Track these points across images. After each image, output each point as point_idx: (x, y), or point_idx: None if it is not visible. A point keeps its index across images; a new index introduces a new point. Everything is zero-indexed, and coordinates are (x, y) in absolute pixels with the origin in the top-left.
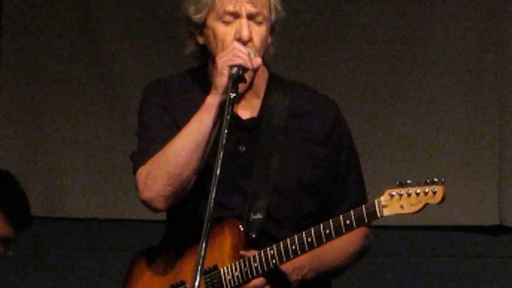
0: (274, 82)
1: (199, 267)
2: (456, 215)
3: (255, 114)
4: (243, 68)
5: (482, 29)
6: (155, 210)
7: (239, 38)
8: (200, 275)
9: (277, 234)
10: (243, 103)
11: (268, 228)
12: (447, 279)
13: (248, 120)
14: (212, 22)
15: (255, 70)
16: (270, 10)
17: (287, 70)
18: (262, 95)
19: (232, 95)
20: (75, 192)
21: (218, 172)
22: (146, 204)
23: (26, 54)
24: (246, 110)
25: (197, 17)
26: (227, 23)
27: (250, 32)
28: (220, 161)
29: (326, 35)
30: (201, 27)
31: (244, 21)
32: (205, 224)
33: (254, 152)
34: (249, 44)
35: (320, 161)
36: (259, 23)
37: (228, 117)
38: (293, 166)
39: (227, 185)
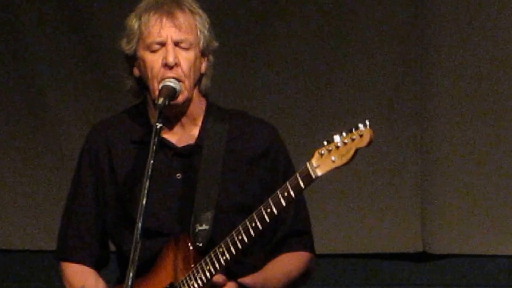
0: (212, 110)
1: None
2: (379, 243)
3: (192, 142)
4: (169, 99)
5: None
6: None
7: (165, 63)
8: None
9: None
10: (180, 131)
11: (215, 239)
12: None
13: (184, 147)
14: (142, 52)
15: (182, 104)
16: (197, 35)
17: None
18: (200, 123)
19: (159, 125)
20: (5, 224)
21: (144, 202)
22: None
23: None
24: (183, 138)
25: (127, 48)
26: (154, 51)
27: (176, 57)
28: (146, 190)
29: (250, 49)
30: (133, 59)
31: (169, 47)
32: (132, 252)
33: (191, 178)
34: (177, 69)
35: (257, 182)
36: (186, 49)
37: (154, 147)
38: (232, 189)
39: (166, 211)
